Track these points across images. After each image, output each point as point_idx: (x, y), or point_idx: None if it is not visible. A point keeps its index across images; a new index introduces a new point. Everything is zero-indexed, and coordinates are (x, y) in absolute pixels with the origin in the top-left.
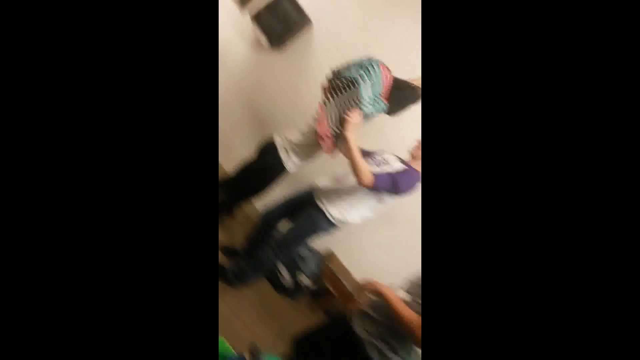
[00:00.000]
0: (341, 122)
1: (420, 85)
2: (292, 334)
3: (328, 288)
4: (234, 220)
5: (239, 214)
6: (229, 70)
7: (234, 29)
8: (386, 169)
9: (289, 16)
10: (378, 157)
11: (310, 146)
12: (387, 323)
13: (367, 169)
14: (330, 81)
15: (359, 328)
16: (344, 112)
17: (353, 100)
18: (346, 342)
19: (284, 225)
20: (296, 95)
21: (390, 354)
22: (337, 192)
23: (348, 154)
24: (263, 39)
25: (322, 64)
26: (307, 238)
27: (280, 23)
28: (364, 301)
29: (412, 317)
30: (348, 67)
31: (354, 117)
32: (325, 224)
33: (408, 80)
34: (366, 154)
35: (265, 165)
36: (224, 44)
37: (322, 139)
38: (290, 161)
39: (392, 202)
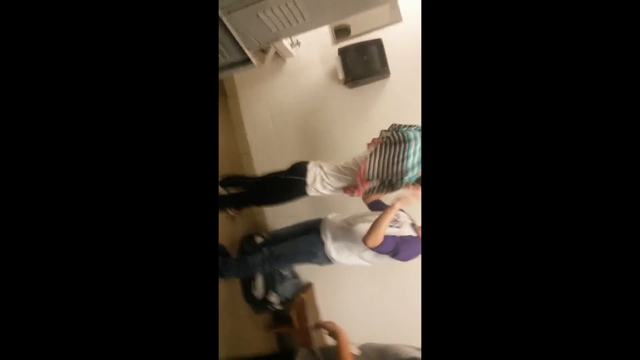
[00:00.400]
0: (380, 176)
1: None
2: (238, 345)
3: (291, 317)
4: (239, 215)
5: (246, 211)
6: (300, 86)
7: (320, 52)
8: (394, 231)
9: (372, 62)
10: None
11: (337, 183)
12: None
13: (382, 236)
14: (384, 133)
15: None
16: (387, 168)
17: (400, 156)
18: None
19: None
20: (348, 133)
21: None
22: (342, 233)
23: (382, 217)
24: (341, 73)
25: (385, 115)
26: (299, 260)
27: (362, 65)
28: (317, 341)
29: None
30: (407, 127)
31: (417, 194)
32: (322, 256)
33: None
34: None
35: (289, 182)
36: (305, 61)
37: (353, 187)
38: (313, 187)
39: (389, 262)
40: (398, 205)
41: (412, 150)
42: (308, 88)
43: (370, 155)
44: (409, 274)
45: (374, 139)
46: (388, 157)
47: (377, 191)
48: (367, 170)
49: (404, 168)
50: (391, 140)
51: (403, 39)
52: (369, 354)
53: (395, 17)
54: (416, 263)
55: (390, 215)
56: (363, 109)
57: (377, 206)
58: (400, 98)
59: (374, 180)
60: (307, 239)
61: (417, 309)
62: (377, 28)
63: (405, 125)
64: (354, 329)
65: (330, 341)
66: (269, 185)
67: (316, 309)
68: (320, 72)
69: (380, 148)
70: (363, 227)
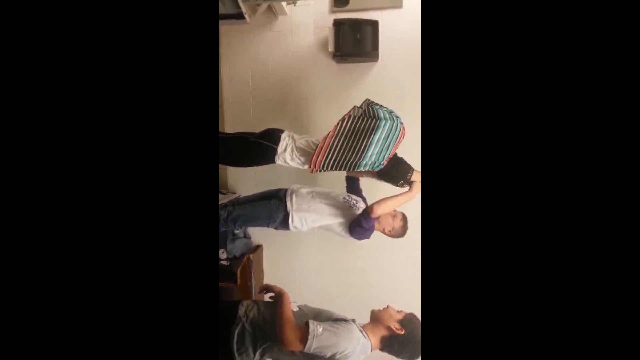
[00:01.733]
0: (336, 165)
1: (418, 180)
2: None
3: (236, 274)
4: None
5: None
6: (287, 48)
7: (314, 18)
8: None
9: (364, 42)
10: (352, 200)
11: (305, 158)
12: (269, 321)
13: (389, 210)
14: (355, 109)
15: (242, 309)
16: (350, 143)
17: (365, 134)
18: (223, 317)
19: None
20: (327, 108)
21: (248, 342)
22: (310, 203)
23: (400, 197)
24: (331, 45)
25: (366, 96)
26: (255, 224)
27: (354, 43)
28: (258, 298)
29: (289, 317)
30: (381, 106)
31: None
32: (279, 221)
33: (410, 166)
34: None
35: (259, 146)
36: (297, 22)
37: (313, 164)
38: (281, 157)
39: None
40: (415, 192)
41: (376, 137)
42: (295, 52)
43: (338, 127)
44: (353, 250)
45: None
46: (353, 131)
47: (333, 166)
48: (326, 151)
49: (361, 159)
50: (363, 113)
51: (399, 26)
52: (306, 311)
53: (396, 2)
54: (349, 246)
55: (402, 200)
56: (346, 86)
57: (354, 188)
58: (385, 85)
59: (327, 167)
60: (268, 205)
61: (354, 283)
62: (376, 8)
63: (376, 104)
64: (294, 293)
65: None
66: (237, 145)
67: (261, 270)
68: (310, 39)
69: (349, 118)
70: (334, 202)
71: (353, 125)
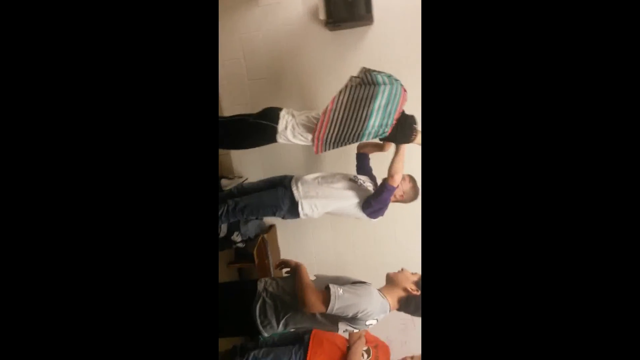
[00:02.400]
0: (338, 138)
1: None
2: None
3: (253, 255)
4: None
5: None
6: (277, 21)
7: None
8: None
9: (357, 5)
10: (359, 180)
11: (307, 133)
12: (288, 291)
13: (402, 173)
14: (353, 79)
15: (261, 285)
16: (350, 114)
17: (365, 102)
18: (244, 295)
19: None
20: (324, 79)
21: (271, 314)
22: (317, 189)
23: (398, 157)
24: (322, 13)
25: (364, 64)
26: (263, 213)
27: (346, 7)
28: (276, 275)
29: (309, 282)
30: (379, 72)
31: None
32: (286, 209)
33: (412, 127)
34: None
35: (259, 126)
36: None
37: (316, 140)
38: (283, 135)
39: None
40: (404, 149)
41: (377, 105)
42: (285, 25)
43: (338, 97)
44: (364, 223)
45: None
46: (354, 99)
47: (337, 143)
48: (325, 136)
49: (363, 129)
50: (362, 80)
51: None
52: (324, 279)
53: None
54: (360, 221)
55: (402, 155)
56: (342, 55)
57: (364, 166)
58: (381, 48)
59: (331, 143)
60: (274, 193)
61: (368, 253)
62: None
63: (374, 70)
64: (311, 266)
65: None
66: (235, 127)
67: (277, 248)
68: (300, 9)
69: (348, 88)
70: (342, 184)
71: (351, 96)
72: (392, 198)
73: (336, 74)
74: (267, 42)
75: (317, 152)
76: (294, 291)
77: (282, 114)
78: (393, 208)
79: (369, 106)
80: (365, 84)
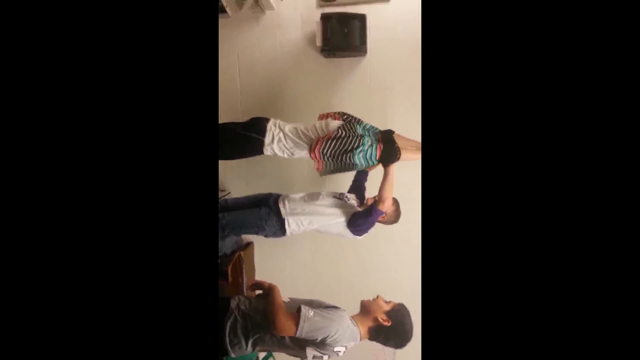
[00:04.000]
0: (333, 160)
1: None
2: None
3: (227, 272)
4: None
5: None
6: (274, 43)
7: (301, 12)
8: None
9: (352, 36)
10: (344, 197)
11: (294, 147)
12: (260, 311)
13: (392, 197)
14: (337, 119)
15: (234, 303)
16: (339, 156)
17: (349, 152)
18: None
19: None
20: (315, 102)
21: (240, 334)
22: (304, 207)
23: (387, 182)
24: (319, 40)
25: (355, 92)
26: (245, 232)
27: (342, 37)
28: (249, 294)
29: (280, 304)
30: (357, 120)
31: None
32: (269, 229)
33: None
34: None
35: (246, 138)
36: (284, 17)
37: (315, 157)
38: (269, 147)
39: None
40: (392, 171)
41: (360, 149)
42: (282, 47)
43: (325, 140)
44: (344, 243)
45: (327, 114)
46: (339, 148)
47: (334, 172)
48: (321, 151)
49: (352, 161)
50: (341, 134)
51: (386, 20)
52: (297, 302)
53: None
54: (340, 241)
55: (392, 179)
56: (335, 82)
57: (360, 181)
58: (372, 79)
59: (329, 163)
60: (257, 213)
61: (346, 276)
62: (364, 2)
63: (355, 118)
64: (286, 288)
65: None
66: (222, 137)
67: (253, 267)
68: (298, 33)
69: (332, 139)
70: (328, 202)
71: (338, 138)
72: None
73: (327, 98)
74: (264, 61)
75: (317, 169)
76: (266, 311)
77: (269, 125)
78: (375, 229)
79: (352, 159)
80: (346, 136)
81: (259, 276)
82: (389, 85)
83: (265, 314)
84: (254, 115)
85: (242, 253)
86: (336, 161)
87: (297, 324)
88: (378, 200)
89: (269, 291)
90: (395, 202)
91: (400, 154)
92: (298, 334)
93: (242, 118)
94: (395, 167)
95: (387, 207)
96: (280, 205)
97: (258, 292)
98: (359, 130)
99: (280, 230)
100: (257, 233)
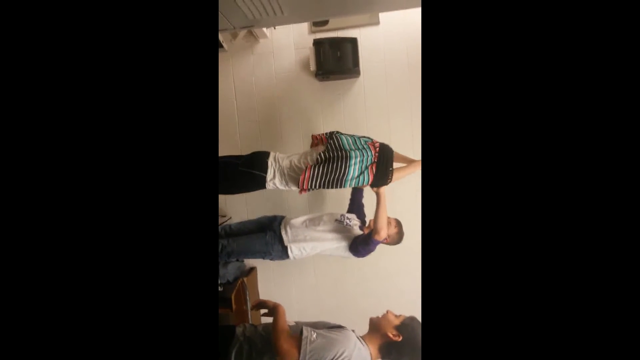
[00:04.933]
0: (321, 185)
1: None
2: None
3: (230, 299)
4: None
5: None
6: (269, 70)
7: (295, 39)
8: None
9: (345, 59)
10: (345, 220)
11: (292, 180)
12: (265, 337)
13: (386, 225)
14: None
15: (239, 330)
16: (327, 181)
17: (339, 171)
18: (221, 339)
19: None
20: (312, 125)
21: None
22: (305, 233)
23: (380, 210)
24: (313, 65)
25: (350, 113)
26: (252, 257)
27: (335, 61)
28: (253, 322)
29: (283, 327)
30: (346, 138)
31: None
32: (275, 254)
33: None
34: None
35: (249, 175)
36: (278, 45)
37: (301, 187)
38: (272, 182)
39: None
40: (383, 195)
41: (351, 162)
42: (277, 73)
43: (312, 167)
44: (348, 263)
45: (316, 135)
46: (328, 171)
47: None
48: (309, 182)
49: (343, 181)
50: (328, 155)
51: (377, 42)
52: (302, 324)
53: (373, 20)
54: (344, 260)
55: (384, 206)
56: (330, 104)
57: (357, 199)
58: (366, 100)
59: (315, 187)
60: (263, 239)
61: (352, 296)
62: (355, 26)
63: (340, 134)
64: (292, 312)
65: (265, 321)
66: (225, 173)
67: (257, 293)
68: (292, 59)
69: (320, 163)
70: (328, 227)
71: (326, 161)
72: None
73: (324, 120)
74: (260, 87)
75: (300, 194)
76: (270, 337)
77: (270, 161)
78: (378, 250)
79: (342, 178)
80: (334, 157)
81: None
82: (384, 103)
83: (270, 340)
84: (252, 140)
85: (245, 279)
86: (325, 185)
87: (299, 348)
88: (373, 232)
89: (273, 311)
90: (398, 224)
91: (391, 178)
92: (301, 358)
93: (240, 143)
94: (392, 186)
95: (382, 236)
96: (282, 232)
97: (263, 312)
98: (346, 145)
99: (285, 254)
100: (263, 258)
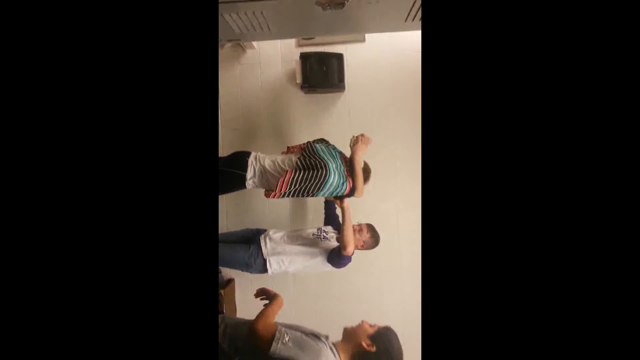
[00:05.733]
0: (296, 193)
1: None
2: None
3: None
4: None
5: None
6: (255, 81)
7: (282, 51)
8: (332, 244)
9: (330, 74)
10: (322, 234)
11: (274, 179)
12: (244, 334)
13: (353, 240)
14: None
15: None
16: (303, 190)
17: (316, 184)
18: None
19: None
20: (296, 137)
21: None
22: (284, 247)
23: (346, 227)
24: (299, 77)
25: (334, 127)
26: (232, 267)
27: (321, 75)
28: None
29: (269, 315)
30: (320, 147)
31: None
32: (256, 267)
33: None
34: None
35: (229, 173)
36: (265, 56)
37: (275, 189)
38: (252, 181)
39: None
40: (348, 210)
41: (331, 168)
42: (263, 84)
43: (294, 171)
44: (319, 279)
45: (293, 147)
46: (309, 177)
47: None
48: (288, 185)
49: (322, 186)
50: (307, 163)
51: (363, 59)
52: (278, 324)
53: (359, 37)
54: (323, 274)
55: (349, 221)
56: (315, 117)
57: (331, 212)
58: (351, 115)
59: (292, 192)
60: (246, 250)
61: (325, 311)
62: (341, 42)
63: (314, 143)
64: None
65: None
66: None
67: (234, 306)
68: (278, 71)
69: (301, 169)
70: (305, 241)
71: (303, 169)
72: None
73: (308, 132)
74: (245, 96)
75: (270, 197)
76: (244, 347)
77: (250, 160)
78: (356, 262)
79: (317, 190)
80: (311, 167)
81: (240, 315)
82: (368, 119)
83: (244, 350)
84: (233, 150)
85: (222, 292)
86: (302, 194)
87: (271, 342)
88: (341, 247)
89: (272, 299)
90: (370, 228)
91: (355, 191)
92: (272, 352)
93: (225, 152)
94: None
95: (350, 251)
96: (262, 245)
97: (264, 302)
98: (321, 153)
99: (264, 268)
100: (242, 270)
